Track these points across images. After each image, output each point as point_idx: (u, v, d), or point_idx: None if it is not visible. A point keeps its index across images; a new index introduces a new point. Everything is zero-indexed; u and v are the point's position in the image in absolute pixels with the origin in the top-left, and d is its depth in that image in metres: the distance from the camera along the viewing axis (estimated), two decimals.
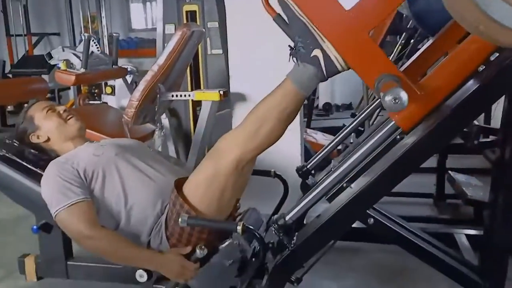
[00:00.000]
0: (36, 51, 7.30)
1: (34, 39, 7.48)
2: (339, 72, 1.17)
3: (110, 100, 3.82)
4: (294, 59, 1.20)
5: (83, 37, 3.09)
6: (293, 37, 1.20)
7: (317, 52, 1.14)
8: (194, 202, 1.39)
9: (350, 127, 2.13)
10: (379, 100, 2.13)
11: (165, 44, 2.77)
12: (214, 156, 1.34)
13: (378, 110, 3.03)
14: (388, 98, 0.98)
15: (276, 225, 1.29)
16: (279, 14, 1.21)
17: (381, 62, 1.09)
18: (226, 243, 1.48)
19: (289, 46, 1.22)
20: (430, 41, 1.56)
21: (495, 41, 0.86)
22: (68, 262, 2.01)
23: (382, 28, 3.94)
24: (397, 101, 0.98)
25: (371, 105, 2.17)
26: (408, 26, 3.77)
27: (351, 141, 3.32)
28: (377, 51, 1.10)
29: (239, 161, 1.29)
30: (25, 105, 1.79)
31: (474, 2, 0.78)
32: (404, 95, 0.98)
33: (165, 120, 3.09)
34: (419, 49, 2.38)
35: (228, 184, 1.35)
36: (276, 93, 1.23)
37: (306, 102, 4.51)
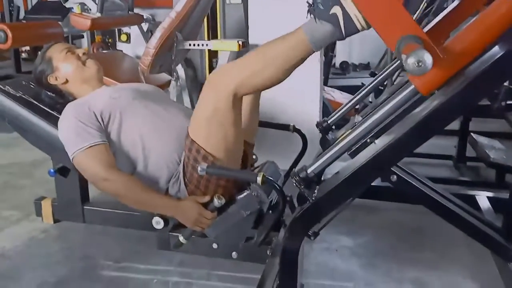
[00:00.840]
0: None
1: None
2: (358, 31, 1.13)
3: (125, 49, 3.74)
4: (312, 16, 1.14)
5: None
6: None
7: (336, 10, 1.10)
8: (201, 143, 1.38)
9: (371, 85, 2.07)
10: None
11: None
12: (210, 92, 1.32)
13: (399, 71, 2.94)
14: (411, 60, 0.92)
15: (297, 177, 1.26)
16: None
17: (405, 22, 1.03)
18: (245, 193, 1.46)
19: (307, 2, 1.17)
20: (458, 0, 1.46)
21: None
22: (85, 207, 2.03)
23: None
24: (420, 64, 0.92)
25: (392, 64, 2.09)
26: None
27: (370, 100, 3.24)
28: (400, 10, 1.03)
29: (235, 94, 1.28)
30: (39, 52, 1.75)
31: None
32: (428, 58, 0.91)
33: (180, 70, 3.03)
34: (446, 7, 2.24)
35: (228, 119, 1.33)
36: (286, 41, 1.19)
37: (324, 59, 4.40)
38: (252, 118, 1.63)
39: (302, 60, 1.21)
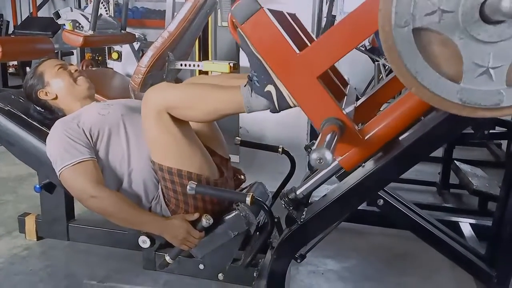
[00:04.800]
0: (40, 14, 7.16)
1: (38, 1, 7.34)
2: (291, 107, 1.20)
3: (116, 67, 3.75)
4: (250, 88, 1.22)
5: None
6: (250, 70, 1.22)
7: (270, 88, 1.18)
8: (162, 162, 1.42)
9: None
10: None
11: (175, 13, 2.72)
12: (147, 111, 1.37)
13: None
14: (314, 156, 0.95)
15: (286, 199, 1.27)
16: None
17: (328, 106, 1.11)
18: (233, 214, 1.47)
19: (247, 76, 1.25)
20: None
21: (427, 101, 0.89)
22: (69, 224, 2.00)
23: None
24: (321, 161, 0.94)
25: None
26: None
27: None
28: (324, 95, 1.10)
29: (168, 112, 1.34)
30: (28, 67, 1.75)
31: (406, 67, 0.85)
32: (328, 156, 0.93)
33: None
34: None
35: (174, 130, 1.37)
36: (224, 94, 1.29)
37: None
38: (209, 128, 1.65)
39: (231, 114, 1.34)
